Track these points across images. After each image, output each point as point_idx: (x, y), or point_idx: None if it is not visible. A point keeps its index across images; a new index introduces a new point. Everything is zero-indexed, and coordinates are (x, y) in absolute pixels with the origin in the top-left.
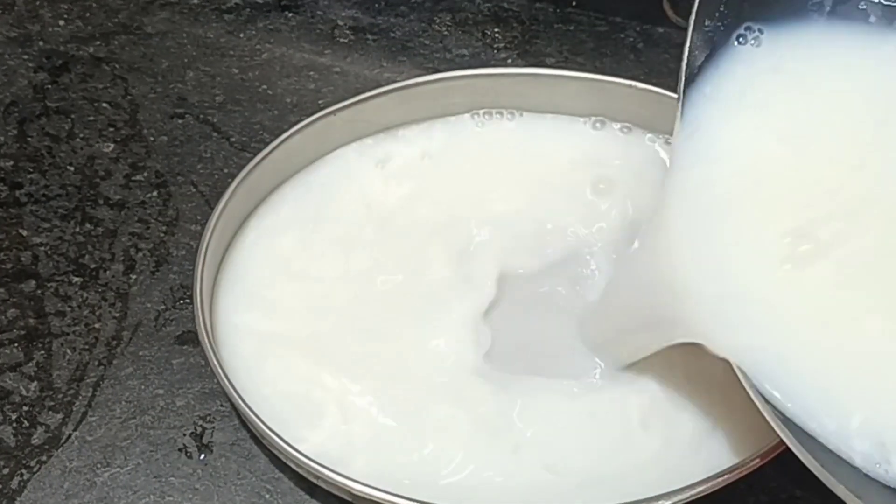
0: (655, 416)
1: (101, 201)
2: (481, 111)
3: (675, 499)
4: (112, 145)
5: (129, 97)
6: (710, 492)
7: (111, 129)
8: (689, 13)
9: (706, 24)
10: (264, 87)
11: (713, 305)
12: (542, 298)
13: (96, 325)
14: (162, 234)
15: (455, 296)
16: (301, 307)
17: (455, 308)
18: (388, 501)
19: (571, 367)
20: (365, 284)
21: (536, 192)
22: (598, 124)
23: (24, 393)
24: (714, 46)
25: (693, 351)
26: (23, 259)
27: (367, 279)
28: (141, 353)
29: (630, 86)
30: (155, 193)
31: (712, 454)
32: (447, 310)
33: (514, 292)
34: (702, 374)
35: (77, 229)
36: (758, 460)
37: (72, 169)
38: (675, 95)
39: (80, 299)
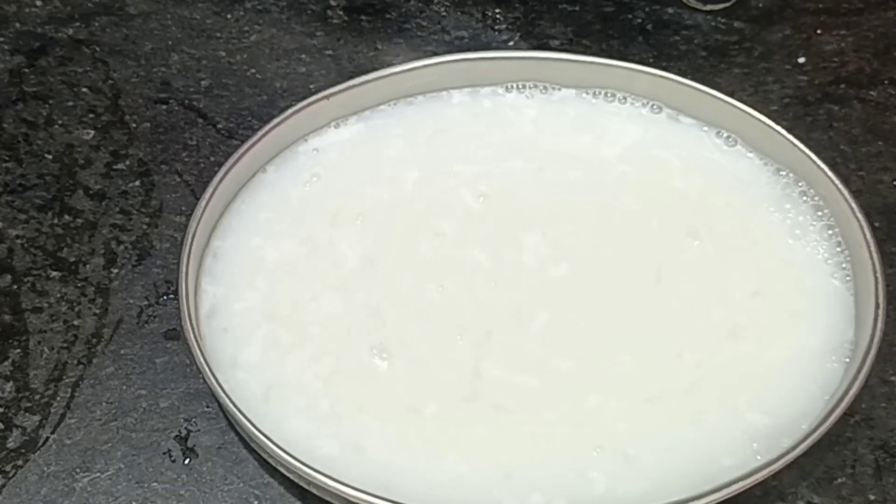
0: None
1: (80, 191)
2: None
3: None
4: (92, 132)
5: (110, 82)
6: (723, 498)
7: (91, 116)
8: None
9: None
10: (252, 70)
11: None
12: None
13: (75, 322)
14: (145, 226)
15: (453, 275)
16: (293, 302)
17: (450, 294)
18: None
19: None
20: (361, 277)
21: None
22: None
23: None
24: None
25: None
26: None
27: (364, 271)
28: (122, 352)
29: (641, 70)
30: (137, 183)
31: None
32: (443, 298)
33: None
34: None
35: (55, 221)
36: (771, 467)
37: (50, 157)
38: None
39: (59, 295)
